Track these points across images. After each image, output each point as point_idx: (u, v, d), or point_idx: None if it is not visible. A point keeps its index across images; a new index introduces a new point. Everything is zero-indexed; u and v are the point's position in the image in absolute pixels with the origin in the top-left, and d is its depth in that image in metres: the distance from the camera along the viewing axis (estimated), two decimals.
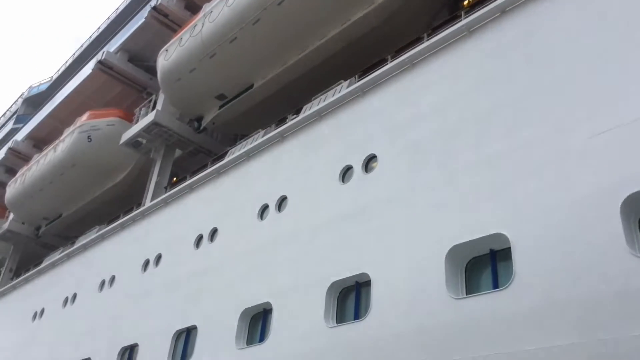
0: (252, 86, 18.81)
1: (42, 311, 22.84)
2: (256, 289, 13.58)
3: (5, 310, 26.81)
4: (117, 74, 25.91)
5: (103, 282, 19.69)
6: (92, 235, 22.38)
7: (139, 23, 25.03)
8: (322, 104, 14.82)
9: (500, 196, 9.80)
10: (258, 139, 16.62)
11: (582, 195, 8.75)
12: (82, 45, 35.58)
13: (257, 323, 13.52)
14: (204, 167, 18.72)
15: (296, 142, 15.26)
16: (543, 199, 9.18)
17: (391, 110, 12.92)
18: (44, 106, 33.60)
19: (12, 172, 33.57)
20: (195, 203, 17.79)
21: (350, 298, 11.81)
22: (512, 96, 10.60)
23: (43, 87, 39.26)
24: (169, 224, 18.45)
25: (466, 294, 9.77)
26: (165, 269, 17.16)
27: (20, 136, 34.55)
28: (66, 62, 36.78)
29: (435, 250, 10.14)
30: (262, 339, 12.96)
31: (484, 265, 10.02)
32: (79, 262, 22.47)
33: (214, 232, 16.12)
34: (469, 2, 14.54)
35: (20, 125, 37.54)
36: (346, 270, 11.73)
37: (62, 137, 25.74)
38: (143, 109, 22.89)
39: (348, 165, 13.17)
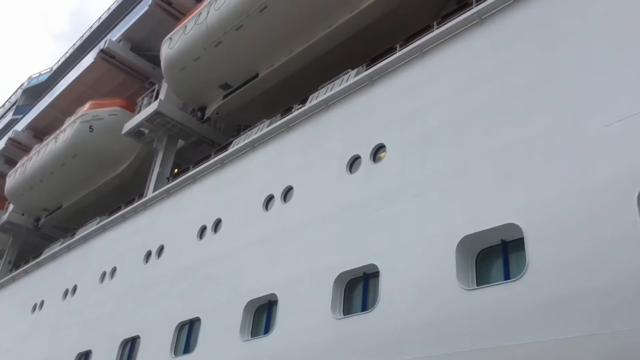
0: (257, 75, 18.54)
1: (42, 303, 22.63)
2: (261, 280, 13.38)
3: (4, 302, 26.58)
4: (120, 63, 25.61)
5: (104, 274, 19.47)
6: (92, 226, 22.14)
7: (143, 11, 24.69)
8: (329, 93, 14.58)
9: (513, 186, 9.59)
10: (263, 129, 16.39)
11: (598, 184, 8.55)
12: (82, 36, 35.28)
13: (261, 315, 13.34)
14: (207, 157, 18.50)
15: (302, 132, 15.03)
16: (557, 188, 8.98)
17: (400, 100, 12.70)
18: (44, 96, 33.31)
19: (11, 162, 33.30)
20: (199, 194, 17.57)
21: (358, 289, 11.62)
22: (525, 85, 10.38)
23: (43, 78, 38.96)
24: (171, 215, 18.24)
25: (476, 285, 9.59)
26: (168, 260, 16.95)
27: (20, 126, 34.25)
28: (66, 52, 36.50)
29: (445, 241, 9.94)
30: (267, 330, 12.78)
31: (494, 256, 9.83)
32: (79, 254, 22.24)
33: (217, 223, 15.91)
34: None
35: (20, 116, 37.28)
36: (353, 262, 11.53)
37: (63, 127, 25.46)
38: (145, 98, 22.64)
39: (355, 155, 12.94)
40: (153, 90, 22.93)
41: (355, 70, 14.64)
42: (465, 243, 9.73)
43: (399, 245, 10.78)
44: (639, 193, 8.05)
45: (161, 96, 21.49)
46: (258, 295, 13.24)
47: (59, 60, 37.14)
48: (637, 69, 8.92)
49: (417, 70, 12.73)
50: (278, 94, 18.45)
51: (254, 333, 13.11)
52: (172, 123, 20.90)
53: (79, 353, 18.23)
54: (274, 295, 12.85)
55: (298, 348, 11.60)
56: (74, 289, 20.81)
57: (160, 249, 17.46)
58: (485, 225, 9.57)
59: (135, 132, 21.70)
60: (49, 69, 38.58)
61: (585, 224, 8.42)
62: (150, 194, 19.93)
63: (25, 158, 28.74)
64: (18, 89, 43.27)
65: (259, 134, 16.28)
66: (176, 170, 21.05)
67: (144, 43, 25.95)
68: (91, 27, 34.04)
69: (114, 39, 26.25)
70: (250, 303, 13.32)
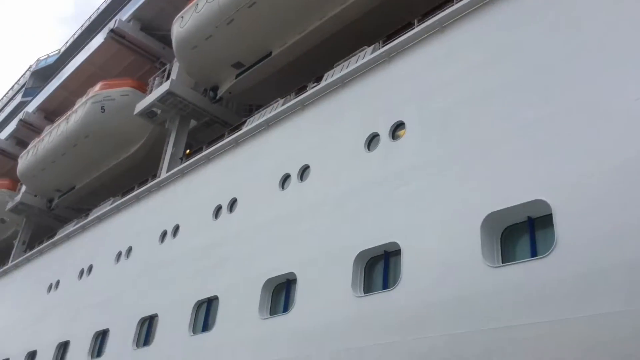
0: (270, 54, 18.34)
1: (57, 283, 22.78)
2: (279, 259, 13.35)
3: (19, 283, 26.82)
4: (130, 43, 25.38)
5: (119, 254, 19.53)
6: (106, 207, 22.18)
7: None
8: (345, 71, 14.38)
9: (540, 162, 9.43)
10: (277, 107, 16.24)
11: (628, 158, 8.40)
12: (90, 17, 34.93)
13: (280, 293, 13.33)
14: (221, 137, 18.40)
15: (318, 111, 14.87)
16: (587, 164, 8.82)
17: (420, 76, 12.50)
18: (53, 78, 33.19)
19: (22, 144, 33.37)
20: (213, 173, 17.50)
21: (378, 268, 11.56)
22: (551, 59, 10.15)
23: (51, 60, 38.77)
24: (186, 195, 18.21)
25: (502, 263, 9.51)
26: (184, 239, 16.96)
27: (31, 108, 34.20)
28: (74, 34, 36.24)
29: (470, 218, 9.82)
30: (285, 309, 12.77)
31: (519, 233, 9.72)
32: (93, 234, 22.31)
33: (233, 203, 15.86)
34: None
35: (29, 98, 37.20)
36: (374, 240, 11.45)
37: (74, 108, 25.35)
38: (157, 79, 22.48)
39: (374, 133, 12.80)
40: (164, 71, 22.77)
41: (371, 47, 14.42)
42: (491, 220, 9.62)
43: (422, 223, 10.67)
44: None
45: (173, 76, 21.36)
46: (276, 274, 13.21)
47: (66, 42, 36.92)
48: None
49: (436, 45, 12.50)
50: (292, 73, 18.26)
51: (273, 311, 13.12)
52: (184, 103, 20.78)
53: (97, 331, 18.36)
54: (292, 274, 12.82)
55: (318, 326, 11.59)
56: (90, 268, 20.90)
57: (176, 229, 17.46)
58: (511, 202, 9.44)
59: (147, 113, 21.62)
60: (57, 51, 38.40)
61: (615, 200, 8.28)
62: (164, 174, 19.89)
63: (36, 139, 28.73)
64: (26, 71, 43.12)
65: (273, 113, 16.13)
66: (188, 151, 20.98)
67: (153, 22, 25.70)
68: (99, 8, 33.73)
69: (124, 18, 26.00)
70: (269, 282, 13.30)
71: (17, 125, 33.81)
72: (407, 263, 10.55)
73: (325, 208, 12.91)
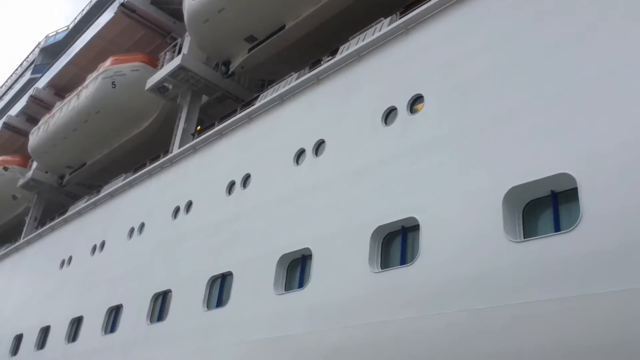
0: (283, 27, 18.00)
1: (70, 259, 22.84)
2: (294, 234, 13.23)
3: (32, 259, 26.94)
4: (140, 17, 25.10)
5: (132, 230, 19.50)
6: (118, 183, 22.12)
7: None
8: (361, 44, 14.09)
9: (564, 136, 9.18)
10: (291, 82, 15.98)
11: None
12: None
13: (295, 269, 13.23)
14: (233, 112, 18.19)
15: (333, 85, 14.61)
16: (613, 136, 8.57)
17: (439, 48, 12.20)
18: (63, 54, 32.98)
19: (33, 120, 33.32)
20: (226, 149, 17.33)
21: (396, 243, 11.41)
22: (575, 29, 9.83)
23: (60, 37, 38.55)
24: (198, 171, 18.08)
25: (524, 238, 9.32)
26: (197, 215, 16.86)
27: (41, 84, 34.07)
28: (83, 9, 35.95)
29: (492, 192, 9.61)
30: (301, 285, 12.68)
31: (542, 208, 9.52)
32: (106, 210, 22.28)
33: (246, 178, 15.72)
34: None
35: (39, 75, 37.07)
36: (391, 215, 11.28)
37: (85, 84, 25.18)
38: (168, 53, 22.20)
39: (391, 106, 12.54)
40: (175, 45, 22.48)
41: (388, 19, 14.09)
42: (513, 195, 9.41)
43: (441, 198, 10.48)
44: None
45: (184, 50, 21.08)
46: (291, 250, 13.10)
47: (75, 19, 36.64)
48: None
49: (456, 16, 12.17)
50: (305, 47, 17.95)
51: (288, 287, 13.03)
52: (196, 78, 20.53)
53: (110, 307, 18.41)
54: (307, 249, 12.70)
55: (335, 302, 11.49)
56: (102, 244, 20.91)
57: (189, 205, 17.36)
58: (534, 176, 9.22)
59: (159, 88, 21.40)
60: (66, 27, 38.14)
61: None
62: (176, 150, 19.75)
63: (47, 115, 28.62)
64: (35, 48, 42.94)
65: (287, 87, 15.88)
66: (199, 128, 20.76)
67: None
68: None
69: None
70: (284, 257, 13.20)
71: (27, 102, 33.75)
72: (426, 238, 10.38)
73: (341, 183, 12.73)
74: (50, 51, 38.86)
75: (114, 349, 17.28)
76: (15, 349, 23.25)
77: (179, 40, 22.64)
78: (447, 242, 10.05)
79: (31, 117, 34.09)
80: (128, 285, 18.14)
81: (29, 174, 29.58)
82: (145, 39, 26.39)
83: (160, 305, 16.62)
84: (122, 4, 24.92)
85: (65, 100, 27.13)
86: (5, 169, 32.19)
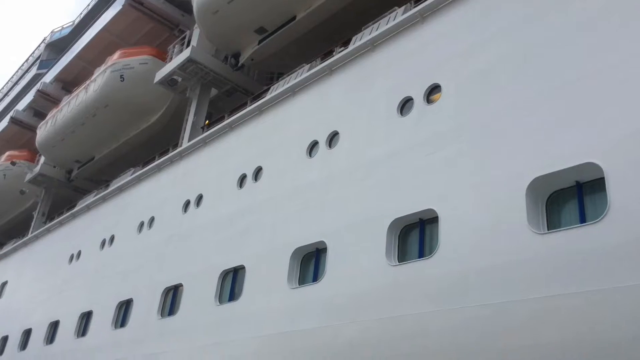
0: (294, 18, 17.72)
1: (79, 254, 22.70)
2: (308, 228, 13.01)
3: (40, 254, 26.82)
4: (148, 10, 24.92)
5: (142, 224, 19.33)
6: (127, 177, 21.95)
7: None
8: (374, 33, 13.83)
9: (590, 124, 8.90)
10: (303, 73, 15.73)
11: None
12: None
13: (309, 263, 13.02)
14: (243, 105, 17.97)
15: (346, 75, 14.36)
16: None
17: (456, 36, 11.93)
18: (70, 48, 32.84)
19: (40, 115, 33.23)
20: (237, 142, 17.11)
21: (413, 236, 11.18)
22: (597, 13, 9.55)
23: (66, 32, 38.56)
24: (209, 164, 17.87)
25: (547, 229, 9.07)
26: (208, 209, 16.67)
27: (48, 78, 33.96)
28: (88, 4, 35.83)
29: (514, 183, 9.36)
30: (315, 278, 12.47)
31: (566, 199, 9.26)
32: (115, 205, 22.12)
33: (258, 171, 15.50)
34: None
35: (45, 70, 37.02)
36: (409, 207, 11.04)
37: (93, 77, 25.01)
38: (176, 46, 22.00)
39: (407, 97, 12.29)
40: (184, 38, 22.27)
41: (402, 8, 13.83)
42: (537, 185, 9.16)
43: (461, 189, 10.23)
44: None
45: (193, 43, 20.85)
46: (305, 243, 12.88)
47: (80, 13, 36.56)
48: None
49: (473, 2, 11.90)
50: (316, 39, 17.69)
51: (302, 281, 12.83)
52: (205, 71, 20.31)
53: (120, 301, 18.27)
54: (322, 242, 12.49)
55: (351, 295, 11.27)
56: (112, 239, 20.76)
57: (199, 199, 17.17)
58: (559, 166, 8.96)
59: (168, 81, 21.20)
60: (71, 23, 38.05)
61: None
62: (185, 143, 19.55)
63: (55, 109, 28.47)
64: (41, 43, 42.89)
65: (299, 79, 15.63)
66: (207, 122, 20.55)
67: None
68: None
69: None
70: (297, 251, 12.99)
71: (34, 96, 33.63)
72: (445, 230, 10.14)
73: (356, 175, 12.50)
74: (56, 46, 38.82)
75: (124, 343, 17.15)
76: (24, 344, 23.18)
77: (188, 32, 22.43)
78: (467, 234, 9.80)
79: (38, 111, 34.01)
80: (138, 280, 17.98)
81: (37, 169, 29.44)
82: (153, 32, 26.20)
83: (171, 299, 16.45)
84: None
85: (73, 94, 26.96)
86: (13, 163, 32.10)
